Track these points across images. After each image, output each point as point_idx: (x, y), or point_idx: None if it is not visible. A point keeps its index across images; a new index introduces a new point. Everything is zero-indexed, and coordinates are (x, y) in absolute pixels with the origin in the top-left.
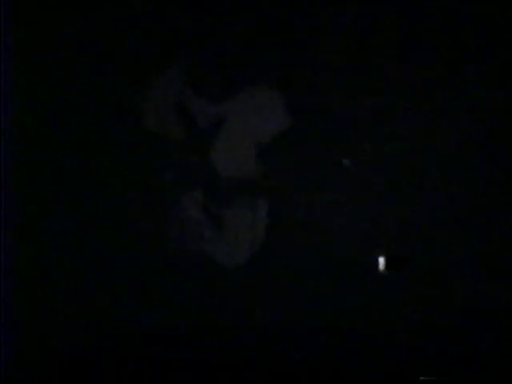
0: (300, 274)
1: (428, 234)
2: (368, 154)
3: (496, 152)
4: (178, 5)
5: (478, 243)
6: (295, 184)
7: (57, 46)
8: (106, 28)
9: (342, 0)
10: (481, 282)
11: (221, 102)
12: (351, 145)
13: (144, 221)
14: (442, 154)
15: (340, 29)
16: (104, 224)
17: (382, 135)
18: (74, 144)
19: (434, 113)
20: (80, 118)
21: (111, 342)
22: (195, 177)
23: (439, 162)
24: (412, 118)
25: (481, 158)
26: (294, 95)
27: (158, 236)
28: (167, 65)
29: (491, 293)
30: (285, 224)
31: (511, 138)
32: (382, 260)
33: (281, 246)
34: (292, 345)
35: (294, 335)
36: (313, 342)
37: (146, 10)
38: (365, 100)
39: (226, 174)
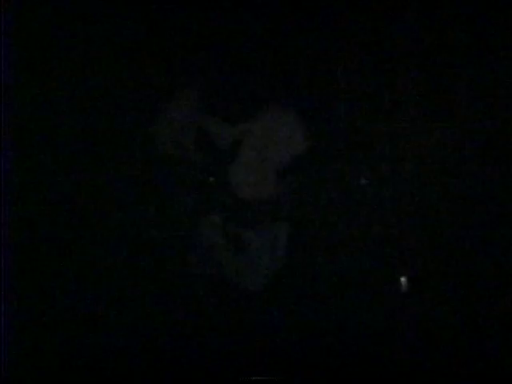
0: (321, 295)
1: (448, 251)
2: (386, 174)
3: None
4: (194, 28)
5: (500, 258)
6: (314, 205)
7: (66, 68)
8: (122, 50)
9: (356, 27)
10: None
11: (239, 125)
12: (369, 165)
13: (163, 244)
14: (461, 172)
15: (355, 53)
16: (121, 246)
17: (398, 155)
18: (88, 165)
19: (454, 130)
20: (95, 142)
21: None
22: (214, 200)
23: (458, 180)
24: (429, 137)
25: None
26: (312, 117)
27: (178, 260)
28: (183, 88)
29: None
30: (305, 246)
31: None
32: (404, 280)
33: (301, 268)
34: (314, 366)
35: (315, 357)
36: (334, 363)
37: (162, 33)
38: (382, 121)
39: (245, 197)
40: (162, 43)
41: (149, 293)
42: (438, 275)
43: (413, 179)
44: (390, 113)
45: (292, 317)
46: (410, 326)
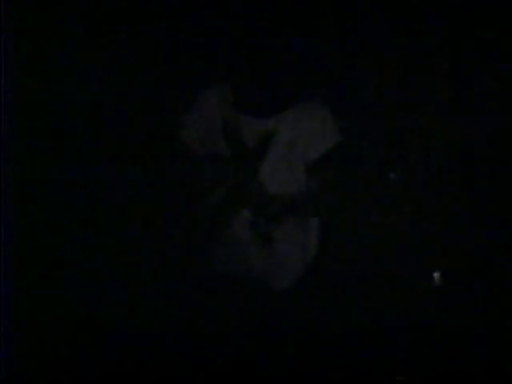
0: (352, 293)
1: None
2: (417, 168)
3: None
4: (222, 23)
5: None
6: (345, 201)
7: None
8: (150, 46)
9: (388, 22)
10: None
11: (269, 119)
12: (401, 160)
13: (190, 241)
14: (494, 167)
15: (388, 45)
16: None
17: (431, 149)
18: (117, 165)
19: (485, 125)
20: (122, 140)
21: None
22: (243, 196)
23: (492, 174)
24: (462, 130)
25: None
26: (343, 111)
27: (205, 256)
28: (211, 85)
29: None
30: (335, 243)
31: None
32: (436, 275)
33: (332, 266)
34: (346, 367)
35: (347, 358)
36: (368, 363)
37: (190, 26)
38: (412, 115)
39: (274, 193)
40: (188, 39)
41: (172, 292)
42: (472, 271)
43: (444, 174)
44: (421, 108)
45: (322, 316)
46: (444, 322)
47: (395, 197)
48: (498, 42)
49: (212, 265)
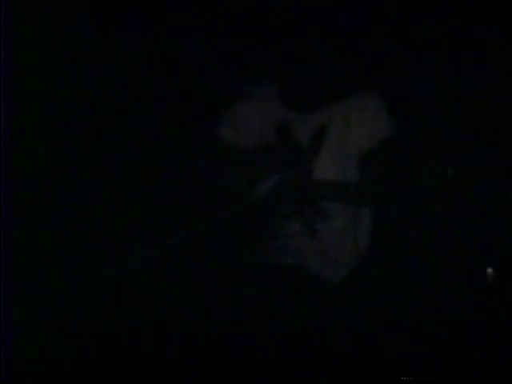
0: (406, 287)
1: None
2: (471, 162)
3: None
4: (270, 18)
5: None
6: (398, 193)
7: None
8: (198, 42)
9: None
10: None
11: (321, 111)
12: (454, 153)
13: (241, 234)
14: None
15: (444, 33)
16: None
17: (487, 143)
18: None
19: None
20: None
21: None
22: (295, 189)
23: None
24: None
25: None
26: (396, 101)
27: (256, 250)
28: (259, 82)
29: None
30: (388, 235)
31: None
32: (490, 271)
33: (384, 258)
34: (399, 359)
35: (398, 350)
36: (418, 356)
37: (238, 24)
38: (468, 107)
39: (326, 185)
40: (236, 37)
41: (215, 287)
42: None
43: (500, 169)
44: (476, 99)
45: (375, 310)
46: (502, 319)
47: (447, 190)
48: None
49: (265, 257)
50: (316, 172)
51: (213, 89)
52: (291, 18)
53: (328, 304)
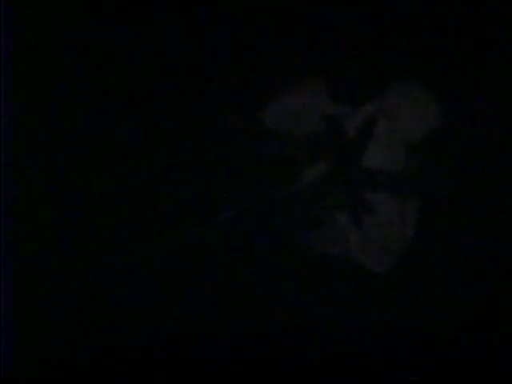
0: (454, 278)
1: None
2: None
3: None
4: (317, 10)
5: None
6: (445, 184)
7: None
8: (252, 33)
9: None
10: None
11: (369, 102)
12: (501, 146)
13: (286, 222)
14: None
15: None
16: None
17: None
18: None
19: None
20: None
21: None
22: (341, 178)
23: None
24: None
25: None
26: (445, 93)
27: (301, 238)
28: (306, 76)
29: None
30: (436, 224)
31: None
32: None
33: (432, 248)
34: (450, 349)
35: (448, 340)
36: (466, 346)
37: (289, 16)
38: None
39: (374, 174)
40: (286, 28)
41: (259, 274)
42: None
43: None
44: None
45: (422, 301)
46: None
47: (495, 180)
48: None
49: (311, 247)
50: (364, 162)
51: (263, 79)
52: (340, 10)
53: (375, 295)
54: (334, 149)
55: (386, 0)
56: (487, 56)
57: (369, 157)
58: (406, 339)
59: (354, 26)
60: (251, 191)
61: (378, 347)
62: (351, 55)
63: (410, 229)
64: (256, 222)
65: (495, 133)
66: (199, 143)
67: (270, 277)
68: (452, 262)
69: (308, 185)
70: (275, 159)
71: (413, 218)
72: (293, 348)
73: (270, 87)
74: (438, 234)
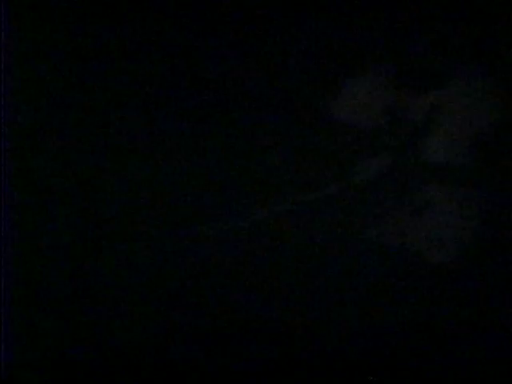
0: None
1: None
2: None
3: None
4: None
5: None
6: (508, 174)
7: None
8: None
9: None
10: None
11: (431, 94)
12: None
13: (347, 213)
14: None
15: None
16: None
17: None
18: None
19: None
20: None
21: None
22: (404, 170)
23: None
24: None
25: None
26: (508, 84)
27: (361, 229)
28: (372, 64)
29: None
30: (500, 214)
31: None
32: None
33: (495, 238)
34: None
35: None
36: None
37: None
38: None
39: (435, 163)
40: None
41: (317, 263)
42: None
43: None
44: None
45: (484, 294)
46: None
47: None
48: None
49: (371, 238)
50: (426, 154)
51: (329, 67)
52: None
53: (436, 286)
54: (397, 140)
55: None
56: None
57: (432, 149)
58: (468, 329)
59: (419, 14)
60: (312, 183)
61: (440, 340)
62: (416, 44)
63: (472, 218)
64: (315, 214)
65: None
66: (255, 134)
67: (329, 270)
68: None
69: (370, 177)
70: (337, 151)
71: (474, 210)
72: (354, 343)
73: (331, 77)
74: (502, 228)
